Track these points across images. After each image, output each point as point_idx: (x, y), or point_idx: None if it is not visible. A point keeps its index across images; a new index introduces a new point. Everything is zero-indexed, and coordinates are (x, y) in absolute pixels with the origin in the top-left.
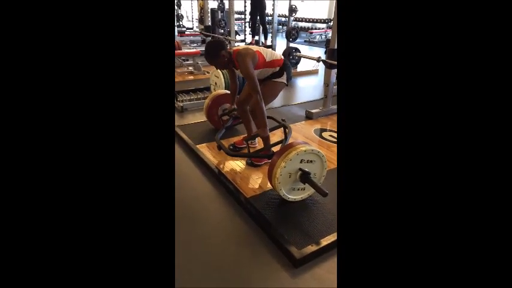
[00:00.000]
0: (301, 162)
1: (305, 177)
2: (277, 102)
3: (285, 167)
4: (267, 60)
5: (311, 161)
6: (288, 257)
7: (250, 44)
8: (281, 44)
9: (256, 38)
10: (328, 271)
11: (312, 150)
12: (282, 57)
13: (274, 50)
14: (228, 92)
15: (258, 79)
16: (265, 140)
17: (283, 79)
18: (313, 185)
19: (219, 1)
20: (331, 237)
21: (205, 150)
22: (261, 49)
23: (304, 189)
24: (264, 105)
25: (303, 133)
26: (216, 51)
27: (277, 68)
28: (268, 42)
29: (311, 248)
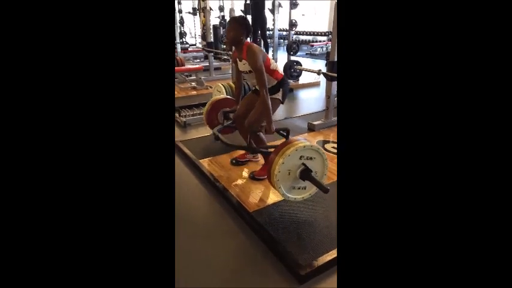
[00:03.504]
0: (300, 159)
1: (305, 173)
2: (279, 114)
3: (283, 163)
4: (270, 67)
5: (311, 158)
6: (293, 272)
7: None
8: (282, 57)
9: None
10: (333, 286)
11: (312, 146)
12: (283, 73)
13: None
14: (228, 97)
15: (253, 89)
16: (260, 141)
17: (279, 96)
18: (313, 181)
19: (221, 17)
20: (336, 252)
21: (208, 165)
22: (268, 56)
23: (305, 188)
24: (269, 100)
25: None
26: (241, 25)
27: (275, 82)
28: (270, 56)
29: (316, 263)
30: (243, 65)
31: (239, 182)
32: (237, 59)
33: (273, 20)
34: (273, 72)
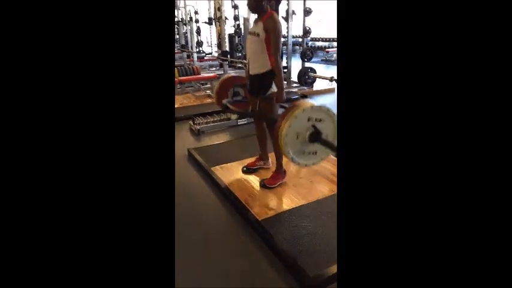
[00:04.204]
0: (309, 121)
1: (315, 135)
2: None
3: (290, 126)
4: (272, 51)
5: (320, 120)
6: (300, 282)
7: None
8: (297, 64)
9: None
10: None
11: (321, 107)
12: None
13: (290, 71)
14: (236, 75)
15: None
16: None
17: (274, 88)
18: (324, 143)
19: (236, 26)
20: None
21: (219, 173)
22: None
23: (316, 152)
24: (281, 64)
25: None
26: None
27: (269, 67)
28: (284, 64)
29: (323, 274)
30: (256, 27)
31: (250, 189)
32: (254, 24)
33: (287, 27)
34: (270, 56)
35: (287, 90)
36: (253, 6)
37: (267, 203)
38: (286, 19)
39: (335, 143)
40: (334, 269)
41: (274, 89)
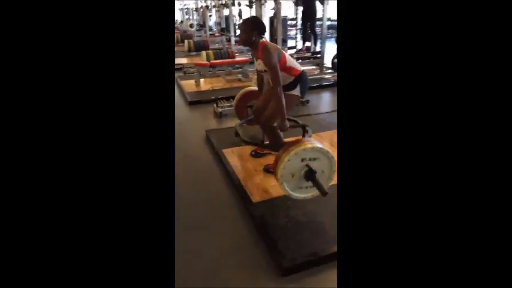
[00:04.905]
0: (302, 161)
1: (309, 174)
2: (312, 108)
3: (284, 168)
4: (287, 65)
5: (315, 159)
6: (277, 264)
7: (301, 50)
8: (331, 49)
9: (308, 44)
10: (317, 283)
11: (313, 147)
12: (301, 69)
13: (323, 56)
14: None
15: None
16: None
17: (296, 91)
18: (315, 183)
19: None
20: (328, 250)
21: (229, 155)
22: (286, 54)
23: (312, 186)
24: (283, 97)
25: (330, 141)
26: (251, 26)
27: (292, 78)
28: (318, 48)
29: (301, 259)
30: (259, 65)
31: (253, 173)
32: (254, 58)
33: (323, 10)
34: (290, 69)
35: (319, 77)
36: (243, 40)
37: (265, 187)
38: (322, 1)
39: (333, 176)
40: (310, 255)
41: (296, 91)
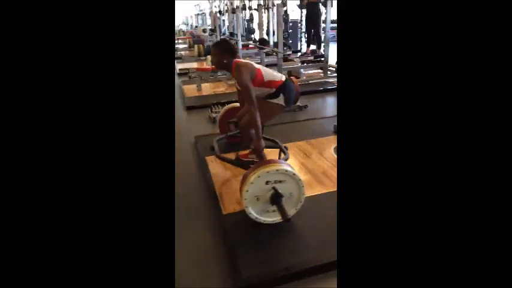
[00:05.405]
0: (267, 184)
1: (275, 198)
2: (306, 115)
3: (247, 191)
4: (265, 80)
5: (280, 181)
6: (233, 282)
7: (305, 53)
8: (335, 51)
9: (313, 47)
10: None
11: (278, 170)
12: (283, 79)
13: (327, 59)
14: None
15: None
16: (259, 152)
17: (280, 100)
18: (279, 207)
19: (283, 13)
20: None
21: (211, 162)
22: (263, 68)
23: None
24: (258, 117)
25: (319, 149)
26: (221, 49)
27: (273, 89)
28: (321, 52)
29: (258, 279)
30: (237, 83)
31: (231, 182)
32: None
33: (325, 13)
34: (269, 83)
35: (323, 80)
36: (215, 63)
37: (239, 199)
38: (325, 4)
39: (302, 199)
40: (271, 273)
41: (279, 100)
